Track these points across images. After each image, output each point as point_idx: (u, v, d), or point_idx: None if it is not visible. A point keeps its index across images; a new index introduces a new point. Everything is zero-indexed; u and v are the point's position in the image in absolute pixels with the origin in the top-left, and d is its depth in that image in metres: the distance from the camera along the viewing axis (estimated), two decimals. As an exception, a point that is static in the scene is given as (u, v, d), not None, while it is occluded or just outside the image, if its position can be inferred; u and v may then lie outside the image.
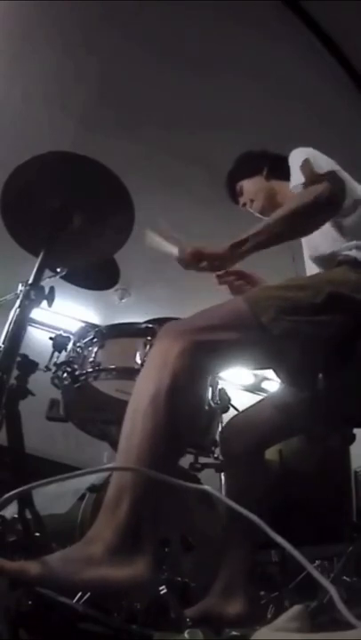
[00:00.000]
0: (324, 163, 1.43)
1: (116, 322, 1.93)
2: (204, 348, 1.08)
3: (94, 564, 0.85)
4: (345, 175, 1.45)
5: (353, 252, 1.37)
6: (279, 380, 1.44)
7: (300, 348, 1.18)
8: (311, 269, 1.53)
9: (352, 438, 1.82)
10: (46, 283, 1.40)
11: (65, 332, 1.88)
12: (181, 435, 1.06)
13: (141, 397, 1.02)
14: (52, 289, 1.38)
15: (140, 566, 0.88)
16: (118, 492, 0.93)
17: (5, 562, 0.82)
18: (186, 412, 1.04)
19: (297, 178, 1.46)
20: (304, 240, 1.55)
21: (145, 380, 1.05)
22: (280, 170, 1.67)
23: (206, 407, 1.80)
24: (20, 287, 1.36)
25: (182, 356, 1.04)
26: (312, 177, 1.39)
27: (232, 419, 1.59)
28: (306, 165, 1.41)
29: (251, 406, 1.56)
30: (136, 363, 1.71)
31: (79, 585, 0.84)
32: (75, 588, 0.84)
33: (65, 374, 1.76)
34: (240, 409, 1.66)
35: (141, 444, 0.97)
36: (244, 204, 1.83)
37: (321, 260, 1.46)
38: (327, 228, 1.44)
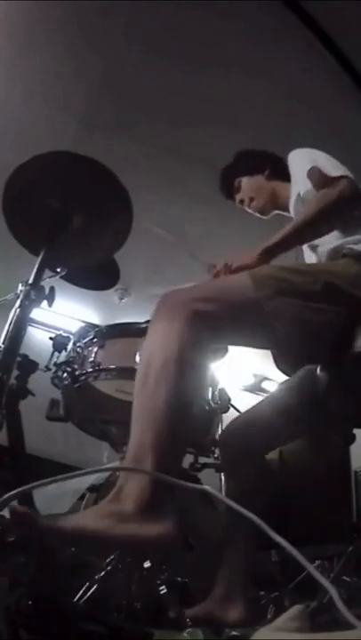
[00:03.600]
0: (328, 164, 1.43)
1: (116, 322, 1.93)
2: (203, 318, 1.10)
3: (126, 521, 0.86)
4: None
5: (358, 247, 1.37)
6: (279, 381, 1.44)
7: (290, 329, 1.20)
8: (310, 261, 1.53)
9: (352, 438, 1.82)
10: (46, 283, 1.40)
11: (65, 331, 1.89)
12: (190, 405, 1.08)
13: (153, 362, 1.03)
14: (52, 289, 1.38)
15: (168, 524, 0.90)
16: (140, 451, 0.95)
17: (40, 518, 0.83)
18: (194, 379, 1.08)
19: (304, 185, 1.46)
20: None
21: (153, 346, 1.07)
22: (281, 171, 1.67)
23: (206, 407, 1.80)
24: (20, 287, 1.36)
25: (185, 325, 1.06)
26: (324, 182, 1.40)
27: (231, 423, 1.56)
28: (314, 172, 1.42)
29: (249, 410, 1.54)
30: (136, 363, 1.71)
31: (113, 540, 0.85)
32: (108, 543, 0.86)
33: (65, 374, 1.76)
34: (240, 409, 1.65)
35: (160, 407, 0.98)
36: (242, 201, 1.80)
37: (325, 254, 1.45)
38: None
